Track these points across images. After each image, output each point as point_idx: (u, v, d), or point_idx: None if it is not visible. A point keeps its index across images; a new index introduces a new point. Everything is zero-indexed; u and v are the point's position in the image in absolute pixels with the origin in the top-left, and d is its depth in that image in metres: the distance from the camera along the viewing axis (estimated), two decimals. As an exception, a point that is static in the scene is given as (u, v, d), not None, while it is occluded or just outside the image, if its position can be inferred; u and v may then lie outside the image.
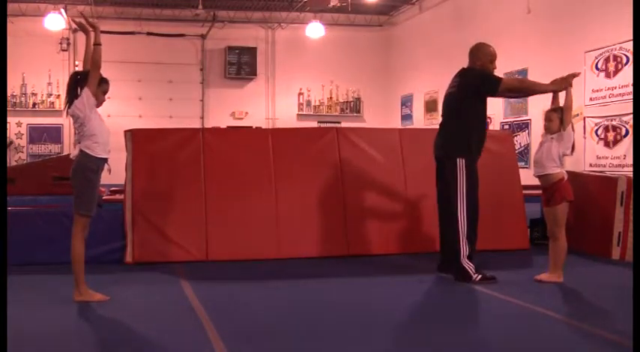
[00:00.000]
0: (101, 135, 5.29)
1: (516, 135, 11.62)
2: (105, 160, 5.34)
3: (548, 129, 6.19)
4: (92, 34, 5.34)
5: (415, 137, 8.39)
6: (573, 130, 6.21)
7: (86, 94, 5.21)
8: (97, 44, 5.25)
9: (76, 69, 15.44)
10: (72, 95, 5.30)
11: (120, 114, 14.88)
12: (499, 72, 12.31)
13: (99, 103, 5.36)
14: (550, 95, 6.44)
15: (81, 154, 5.24)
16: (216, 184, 7.35)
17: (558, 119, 6.11)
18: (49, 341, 4.20)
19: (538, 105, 10.53)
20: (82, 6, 15.26)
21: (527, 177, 7.23)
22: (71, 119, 5.45)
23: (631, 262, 7.00)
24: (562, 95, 6.28)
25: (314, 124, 15.90)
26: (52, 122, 15.72)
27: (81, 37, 15.46)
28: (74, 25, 15.48)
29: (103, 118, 5.48)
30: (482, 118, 6.43)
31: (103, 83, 5.37)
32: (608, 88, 9.82)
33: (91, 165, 5.23)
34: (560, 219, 6.06)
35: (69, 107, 5.29)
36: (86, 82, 5.22)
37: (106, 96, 5.48)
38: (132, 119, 14.69)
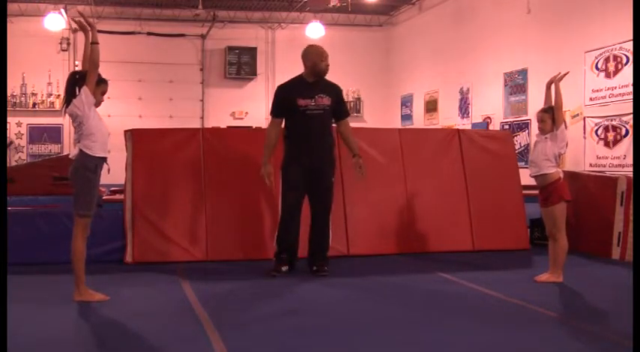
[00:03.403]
0: (100, 135, 5.29)
1: (516, 135, 11.63)
2: (104, 159, 5.34)
3: (542, 130, 6.19)
4: (89, 33, 5.34)
5: (415, 137, 8.39)
6: (566, 128, 6.21)
7: (85, 93, 5.21)
8: (94, 43, 5.26)
9: (76, 69, 15.47)
10: (70, 94, 5.30)
11: (120, 114, 14.88)
12: (500, 72, 12.44)
13: (97, 103, 5.36)
14: (543, 96, 6.44)
15: (80, 154, 5.24)
16: (216, 184, 7.35)
17: (550, 119, 6.11)
18: (49, 341, 4.20)
19: (538, 106, 10.54)
20: (82, 6, 15.25)
21: (527, 177, 7.23)
22: (70, 118, 5.44)
23: (631, 262, 7.00)
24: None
25: (314, 124, 15.89)
26: (52, 122, 15.71)
27: (81, 37, 15.44)
28: (74, 25, 15.50)
29: (103, 118, 5.48)
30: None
31: (102, 83, 5.37)
32: (608, 88, 9.82)
33: (89, 165, 5.23)
34: (559, 220, 6.06)
35: (67, 106, 5.29)
36: (84, 82, 5.23)
37: (105, 96, 5.48)
38: (132, 119, 14.70)
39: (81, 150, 5.24)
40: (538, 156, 6.12)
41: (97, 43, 5.27)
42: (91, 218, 5.34)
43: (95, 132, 5.25)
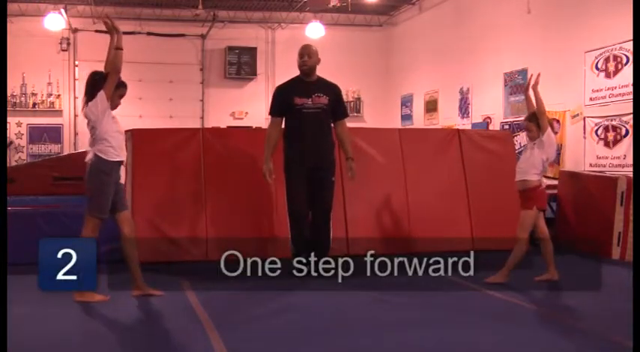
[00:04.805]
0: (114, 139, 5.30)
1: (516, 135, 11.61)
2: (120, 163, 5.38)
3: (530, 138, 6.18)
4: (115, 37, 5.28)
5: (415, 137, 8.40)
6: (555, 133, 6.20)
7: (100, 98, 5.22)
8: (118, 49, 5.23)
9: (76, 69, 15.48)
10: (89, 96, 5.30)
11: (120, 114, 14.76)
12: (500, 72, 12.43)
13: (114, 107, 5.38)
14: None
15: (95, 158, 5.26)
16: (216, 184, 7.35)
17: (536, 126, 6.09)
18: (49, 342, 4.20)
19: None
20: (82, 6, 15.26)
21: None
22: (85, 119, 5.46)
23: (631, 262, 7.00)
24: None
25: (314, 124, 15.88)
26: (52, 122, 15.71)
27: (81, 37, 15.61)
28: (74, 25, 15.54)
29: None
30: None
31: (121, 87, 5.38)
32: (608, 88, 9.81)
33: (104, 168, 5.26)
34: (527, 224, 6.08)
35: (84, 108, 5.32)
36: (103, 85, 5.22)
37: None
38: (132, 119, 14.65)
39: (96, 155, 5.25)
40: (524, 162, 6.12)
41: (122, 49, 5.24)
42: (103, 220, 5.35)
43: (108, 138, 5.27)
